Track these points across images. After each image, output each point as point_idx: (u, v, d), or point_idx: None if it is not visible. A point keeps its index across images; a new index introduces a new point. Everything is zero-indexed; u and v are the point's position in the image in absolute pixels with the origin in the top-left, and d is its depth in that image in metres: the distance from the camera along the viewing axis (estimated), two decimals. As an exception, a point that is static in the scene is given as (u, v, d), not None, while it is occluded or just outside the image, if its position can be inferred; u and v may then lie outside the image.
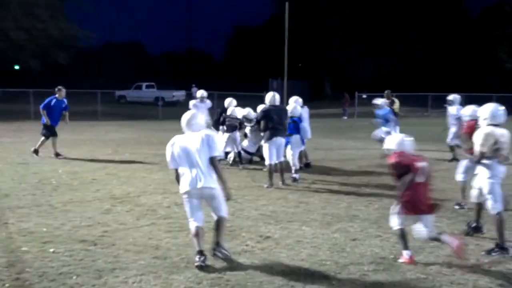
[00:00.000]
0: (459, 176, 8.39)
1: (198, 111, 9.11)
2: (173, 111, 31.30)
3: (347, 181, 10.27)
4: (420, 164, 5.43)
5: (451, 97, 12.97)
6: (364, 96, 13.80)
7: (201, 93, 12.90)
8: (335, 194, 8.95)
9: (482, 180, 6.14)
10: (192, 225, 5.48)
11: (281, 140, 9.56)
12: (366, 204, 8.25)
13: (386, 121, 12.56)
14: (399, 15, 49.32)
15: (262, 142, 10.05)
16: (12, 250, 5.71)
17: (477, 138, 6.04)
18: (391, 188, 9.20)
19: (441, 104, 34.58)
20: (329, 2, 49.08)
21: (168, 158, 5.62)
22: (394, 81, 45.99)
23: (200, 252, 5.26)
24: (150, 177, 10.33)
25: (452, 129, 12.51)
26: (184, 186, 5.45)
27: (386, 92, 15.72)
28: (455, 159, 12.16)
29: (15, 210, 7.45)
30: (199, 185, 5.34)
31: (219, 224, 5.56)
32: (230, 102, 12.32)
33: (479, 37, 47.10)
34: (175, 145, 5.66)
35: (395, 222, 5.57)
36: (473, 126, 7.22)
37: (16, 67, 38.09)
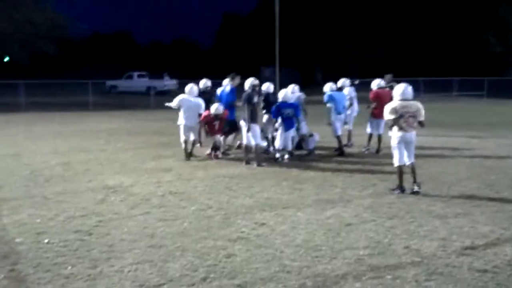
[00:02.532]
0: (368, 129, 12.26)
1: None
2: (165, 100, 31.16)
3: (340, 167, 10.28)
4: None
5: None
6: (357, 82, 13.75)
7: (204, 82, 12.85)
8: (328, 180, 8.96)
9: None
10: None
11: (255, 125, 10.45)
12: (359, 189, 8.27)
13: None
14: (389, 1, 49.29)
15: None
16: (6, 242, 5.67)
17: (386, 109, 7.92)
18: (384, 173, 9.30)
19: (433, 88, 34.94)
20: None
21: None
22: (385, 66, 46.03)
23: None
24: (143, 166, 10.29)
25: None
26: None
27: (388, 75, 14.04)
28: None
29: (8, 202, 7.40)
30: None
31: None
32: (205, 83, 12.83)
33: (467, 21, 47.14)
34: None
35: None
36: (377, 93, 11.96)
37: (6, 58, 37.67)
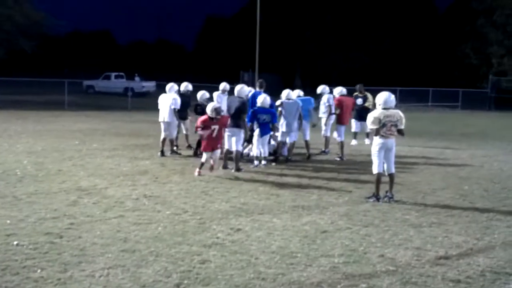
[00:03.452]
0: (338, 138, 12.47)
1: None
2: (143, 102, 31.04)
3: (317, 174, 10.29)
4: None
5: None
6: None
7: (223, 85, 12.81)
8: (305, 187, 8.96)
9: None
10: None
11: (233, 130, 10.25)
12: (336, 196, 8.28)
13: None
14: (369, 10, 49.89)
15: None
16: (-27, 243, 5.51)
17: (369, 119, 7.95)
18: (360, 181, 9.34)
19: (409, 98, 35.40)
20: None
21: None
22: (364, 75, 46.55)
23: None
24: (119, 168, 10.14)
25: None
26: None
27: (358, 86, 15.47)
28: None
29: (-23, 202, 7.20)
30: None
31: None
32: (202, 95, 12.43)
33: (446, 33, 47.95)
34: None
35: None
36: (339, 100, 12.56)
37: None
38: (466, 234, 6.40)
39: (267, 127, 10.88)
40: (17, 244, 5.47)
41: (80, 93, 35.79)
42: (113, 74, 40.89)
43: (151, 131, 16.03)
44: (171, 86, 12.21)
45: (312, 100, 12.71)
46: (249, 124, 10.85)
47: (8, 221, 6.30)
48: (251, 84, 27.19)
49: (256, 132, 10.83)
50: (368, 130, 13.06)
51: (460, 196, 8.57)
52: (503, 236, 6.37)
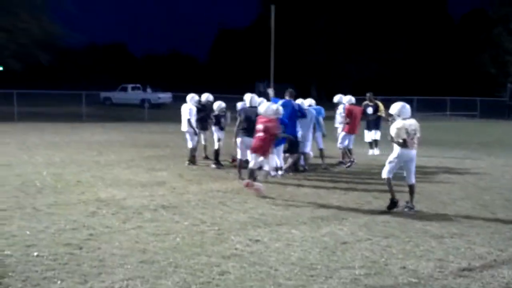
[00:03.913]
0: (340, 145, 12.54)
1: None
2: (159, 113, 31.23)
3: (334, 184, 10.22)
4: None
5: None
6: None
7: (206, 96, 12.92)
8: (323, 197, 8.89)
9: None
10: None
11: (249, 140, 9.92)
12: (355, 207, 8.20)
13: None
14: (383, 19, 49.74)
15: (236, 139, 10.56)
16: (-6, 254, 5.54)
17: (393, 131, 7.80)
18: (380, 191, 9.24)
19: (427, 107, 35.15)
20: (314, 6, 49.26)
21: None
22: (379, 84, 46.36)
23: None
24: (136, 179, 10.17)
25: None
26: None
27: (368, 94, 15.07)
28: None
29: (-3, 213, 7.26)
30: None
31: None
32: (219, 106, 12.51)
33: (462, 42, 47.59)
34: None
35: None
36: (349, 109, 12.45)
37: (0, 68, 37.46)
38: (489, 245, 6.28)
39: (282, 138, 10.74)
40: (37, 255, 5.49)
41: (97, 104, 36.19)
42: (129, 86, 41.27)
43: (168, 142, 16.12)
44: (192, 97, 12.34)
45: (323, 110, 12.61)
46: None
47: (28, 232, 6.34)
48: (266, 94, 27.05)
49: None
50: (377, 138, 13.19)
51: (481, 207, 8.43)
52: (527, 247, 6.24)
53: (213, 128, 12.58)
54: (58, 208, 7.62)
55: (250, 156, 10.07)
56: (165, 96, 39.80)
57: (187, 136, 12.14)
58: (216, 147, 12.12)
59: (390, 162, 7.93)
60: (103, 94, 40.91)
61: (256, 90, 39.57)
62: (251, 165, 9.31)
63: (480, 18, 47.38)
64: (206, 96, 13.10)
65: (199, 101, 12.63)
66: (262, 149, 9.05)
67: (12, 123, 23.11)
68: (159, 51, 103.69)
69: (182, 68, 75.68)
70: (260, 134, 9.07)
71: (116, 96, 40.71)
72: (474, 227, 7.11)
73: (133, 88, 41.19)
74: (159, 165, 12.01)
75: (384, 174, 7.98)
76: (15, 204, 7.82)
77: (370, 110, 14.67)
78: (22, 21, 29.57)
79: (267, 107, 10.69)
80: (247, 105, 10.82)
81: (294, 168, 11.41)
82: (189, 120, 11.93)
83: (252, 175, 9.21)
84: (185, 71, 74.07)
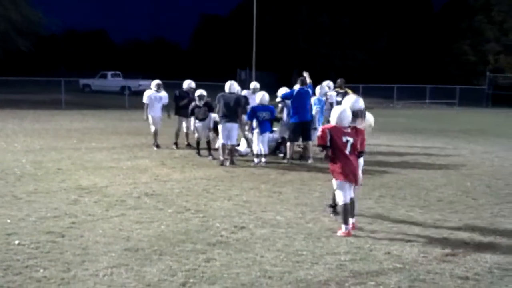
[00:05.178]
0: None
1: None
2: (140, 101, 30.70)
3: (317, 171, 10.23)
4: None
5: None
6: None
7: (254, 84, 12.77)
8: (307, 184, 8.89)
9: None
10: None
11: (231, 125, 10.43)
12: (338, 193, 8.20)
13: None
14: (365, 7, 49.80)
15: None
16: (-27, 243, 5.42)
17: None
18: (364, 178, 9.24)
19: (407, 95, 35.41)
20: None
21: None
22: (361, 72, 46.54)
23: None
24: (118, 167, 10.05)
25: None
26: None
27: (338, 80, 13.39)
28: None
29: (-24, 201, 7.10)
30: None
31: None
32: (189, 84, 13.01)
33: (443, 30, 47.87)
34: None
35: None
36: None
37: None
38: (472, 230, 6.35)
39: (267, 125, 10.88)
40: (18, 244, 5.39)
41: (77, 92, 35.65)
42: (109, 73, 40.69)
43: (150, 129, 15.95)
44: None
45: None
46: (247, 121, 10.91)
47: (9, 220, 6.22)
48: (248, 81, 27.01)
49: (256, 129, 10.79)
50: None
51: (463, 193, 8.52)
52: (508, 232, 6.32)
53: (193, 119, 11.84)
54: (38, 196, 7.49)
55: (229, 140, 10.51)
56: (146, 83, 39.30)
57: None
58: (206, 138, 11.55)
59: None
60: (82, 81, 40.31)
61: (238, 77, 39.34)
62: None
63: (460, 7, 47.65)
64: (188, 83, 12.98)
65: (181, 90, 12.73)
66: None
67: (-11, 110, 22.65)
68: (140, 38, 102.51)
69: (164, 55, 74.79)
70: (350, 153, 6.23)
71: (96, 83, 40.13)
72: (457, 213, 7.19)
73: (113, 75, 40.63)
74: (141, 152, 11.89)
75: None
76: (-6, 192, 7.66)
77: (339, 98, 14.08)
78: (1, 7, 28.94)
79: (262, 96, 10.76)
80: (226, 91, 10.75)
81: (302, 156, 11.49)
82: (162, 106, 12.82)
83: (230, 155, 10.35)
84: (167, 58, 73.23)
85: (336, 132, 6.12)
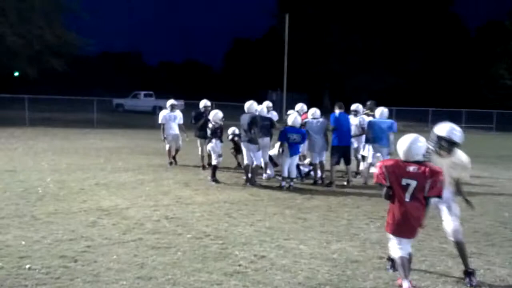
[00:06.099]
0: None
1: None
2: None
3: (346, 197, 9.83)
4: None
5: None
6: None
7: (266, 103, 12.61)
8: (334, 211, 8.51)
9: None
10: None
11: (249, 145, 10.60)
12: (366, 221, 7.82)
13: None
14: (398, 30, 49.30)
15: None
16: (-16, 266, 5.25)
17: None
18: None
19: (441, 119, 34.66)
20: (329, 15, 49.03)
21: None
22: (393, 95, 45.87)
23: None
24: (141, 188, 9.88)
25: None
26: None
27: (369, 102, 12.95)
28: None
29: (-5, 221, 7.00)
30: None
31: None
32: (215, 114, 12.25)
33: (478, 53, 46.97)
34: None
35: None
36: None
37: (16, 73, 37.80)
38: (510, 266, 5.87)
39: (297, 148, 10.61)
40: (29, 268, 5.20)
41: (109, 111, 36.14)
42: (142, 93, 41.24)
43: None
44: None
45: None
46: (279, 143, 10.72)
47: (23, 242, 6.06)
48: (279, 102, 26.80)
49: (286, 152, 10.48)
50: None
51: (501, 224, 8.00)
52: (552, 270, 5.81)
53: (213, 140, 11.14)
54: (57, 217, 7.34)
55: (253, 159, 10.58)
56: (178, 104, 39.61)
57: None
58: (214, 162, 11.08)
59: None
60: (116, 101, 40.92)
61: (269, 98, 39.26)
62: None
63: (496, 30, 46.71)
64: (204, 103, 12.86)
65: (197, 111, 12.92)
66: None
67: (23, 128, 23.05)
68: (173, 60, 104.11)
69: (196, 76, 75.69)
70: (411, 200, 5.00)
71: (129, 103, 40.66)
72: (494, 246, 6.70)
73: (145, 95, 41.12)
74: (165, 173, 11.72)
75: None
76: (14, 212, 7.56)
77: None
78: (36, 27, 29.75)
79: (295, 118, 10.50)
80: (246, 111, 10.86)
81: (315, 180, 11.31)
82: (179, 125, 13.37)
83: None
84: (200, 79, 74.06)
85: (394, 170, 4.88)
